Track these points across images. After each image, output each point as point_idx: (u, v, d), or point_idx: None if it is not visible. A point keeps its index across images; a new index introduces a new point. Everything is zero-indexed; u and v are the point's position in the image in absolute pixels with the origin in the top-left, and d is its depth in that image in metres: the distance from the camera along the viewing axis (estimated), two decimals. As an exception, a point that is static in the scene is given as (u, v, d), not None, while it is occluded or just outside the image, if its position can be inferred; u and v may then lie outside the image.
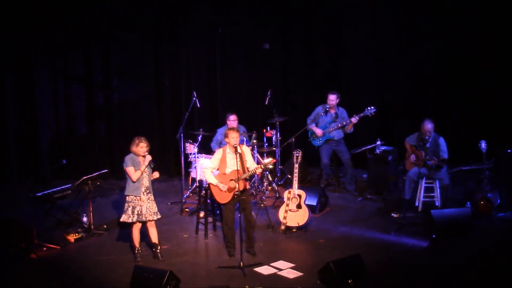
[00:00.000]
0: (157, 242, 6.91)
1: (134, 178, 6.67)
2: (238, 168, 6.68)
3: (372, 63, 11.16)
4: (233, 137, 6.82)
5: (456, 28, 10.42)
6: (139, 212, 6.71)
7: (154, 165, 6.81)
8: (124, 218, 6.73)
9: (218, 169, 7.03)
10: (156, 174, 6.84)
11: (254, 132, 9.50)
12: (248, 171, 6.86)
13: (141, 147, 6.68)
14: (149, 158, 6.72)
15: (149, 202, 6.76)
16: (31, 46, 10.57)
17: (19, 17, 10.37)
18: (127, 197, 6.74)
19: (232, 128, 6.99)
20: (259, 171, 6.91)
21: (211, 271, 6.54)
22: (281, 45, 11.58)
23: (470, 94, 10.50)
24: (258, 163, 8.63)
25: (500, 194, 8.22)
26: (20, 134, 10.69)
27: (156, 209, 6.83)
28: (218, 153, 7.02)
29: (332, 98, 9.36)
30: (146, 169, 6.74)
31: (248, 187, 7.00)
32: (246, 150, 7.05)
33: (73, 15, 10.55)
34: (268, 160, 6.95)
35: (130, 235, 6.89)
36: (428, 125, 8.26)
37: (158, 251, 6.90)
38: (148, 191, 6.76)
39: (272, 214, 8.24)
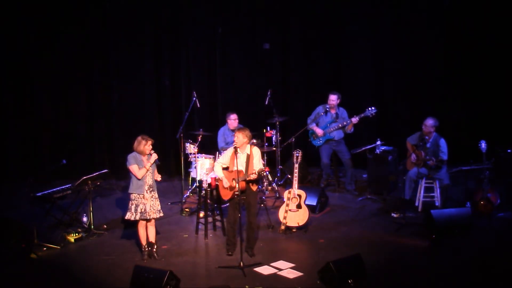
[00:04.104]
0: (153, 241, 6.93)
1: (139, 176, 6.72)
2: (239, 169, 6.67)
3: (372, 63, 11.17)
4: (237, 138, 6.84)
5: (455, 28, 10.43)
6: (143, 210, 6.75)
7: (158, 163, 6.87)
8: (128, 215, 6.80)
9: (228, 166, 7.04)
10: (159, 177, 6.89)
11: (254, 140, 9.45)
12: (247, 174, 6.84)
13: (148, 145, 6.75)
14: (155, 156, 6.77)
15: (152, 200, 6.79)
16: (31, 45, 10.57)
17: (20, 17, 10.38)
18: (131, 195, 6.80)
19: (238, 129, 7.01)
20: (253, 176, 6.84)
21: (211, 271, 6.54)
22: (281, 45, 11.58)
23: (470, 94, 10.51)
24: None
25: (500, 194, 8.21)
26: (20, 134, 10.69)
27: (160, 207, 6.88)
28: (229, 150, 7.04)
29: (333, 99, 9.36)
30: (150, 168, 6.77)
31: (254, 189, 6.93)
32: (255, 152, 6.97)
33: (73, 14, 10.56)
34: (260, 168, 6.84)
35: (137, 233, 6.96)
36: (430, 121, 8.25)
37: (155, 250, 6.92)
38: (151, 189, 6.79)
39: (272, 214, 8.25)
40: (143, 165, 6.74)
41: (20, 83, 10.62)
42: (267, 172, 9.57)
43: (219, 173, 6.99)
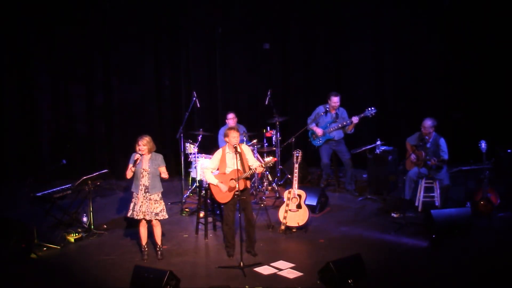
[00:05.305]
0: (157, 241, 6.94)
1: (126, 175, 6.78)
2: (239, 168, 6.68)
3: (372, 63, 11.18)
4: (234, 137, 6.81)
5: (456, 28, 10.43)
6: (136, 209, 6.76)
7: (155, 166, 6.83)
8: (128, 212, 6.86)
9: (218, 169, 7.04)
10: (163, 174, 6.85)
11: (255, 141, 9.43)
12: (250, 169, 6.85)
13: (138, 144, 6.74)
14: (137, 156, 6.72)
15: (147, 202, 6.77)
16: (31, 45, 10.58)
17: (20, 17, 10.39)
18: (132, 193, 6.84)
19: (231, 128, 6.99)
20: (260, 170, 6.91)
21: (211, 271, 6.54)
22: (281, 45, 11.58)
23: (470, 94, 10.51)
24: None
25: (500, 194, 8.21)
26: (20, 134, 10.69)
27: (159, 210, 6.82)
28: (218, 153, 7.02)
29: (336, 100, 9.32)
30: (148, 168, 6.75)
31: (249, 186, 6.99)
32: (245, 148, 7.03)
33: (73, 14, 10.56)
34: (268, 159, 6.95)
35: (137, 232, 6.99)
36: (428, 122, 8.24)
37: (157, 249, 6.94)
38: (147, 190, 6.76)
39: (272, 214, 8.24)
40: (141, 165, 6.76)
41: (20, 83, 10.62)
42: (267, 172, 9.58)
43: (212, 180, 6.93)
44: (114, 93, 10.99)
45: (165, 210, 6.89)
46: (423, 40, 10.62)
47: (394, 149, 9.50)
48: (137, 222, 6.92)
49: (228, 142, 6.87)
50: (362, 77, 11.20)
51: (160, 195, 6.87)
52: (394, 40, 10.88)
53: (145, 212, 6.77)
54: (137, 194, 6.78)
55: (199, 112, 10.54)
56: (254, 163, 6.97)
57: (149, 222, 6.89)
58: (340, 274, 5.92)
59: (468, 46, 10.37)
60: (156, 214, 6.81)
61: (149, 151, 6.79)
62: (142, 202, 6.76)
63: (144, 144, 6.72)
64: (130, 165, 6.74)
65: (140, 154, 6.73)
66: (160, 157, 6.89)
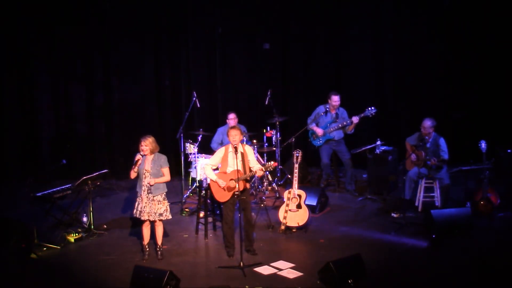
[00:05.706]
0: (158, 241, 6.95)
1: (131, 176, 6.78)
2: (239, 168, 6.67)
3: (372, 63, 11.18)
4: (233, 135, 6.81)
5: (456, 28, 10.44)
6: (140, 210, 6.76)
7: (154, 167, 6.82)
8: (133, 211, 6.88)
9: (218, 168, 7.02)
10: (151, 181, 6.73)
11: (255, 141, 9.42)
12: (251, 171, 6.85)
13: (141, 145, 6.72)
14: (138, 156, 6.72)
15: (151, 203, 6.76)
16: (31, 45, 10.58)
17: (20, 17, 10.39)
18: (137, 192, 6.84)
19: (233, 127, 6.98)
20: (260, 173, 6.89)
21: (211, 271, 6.54)
22: (281, 45, 11.58)
23: (470, 94, 10.52)
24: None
25: (500, 194, 8.21)
26: (20, 134, 10.69)
27: (162, 210, 6.80)
28: (220, 151, 7.02)
29: (336, 99, 9.33)
30: (150, 169, 6.74)
31: (248, 187, 6.99)
32: (249, 150, 7.01)
33: (73, 14, 10.56)
34: (269, 163, 6.94)
35: (139, 232, 7.00)
36: (428, 122, 8.25)
37: (157, 249, 6.95)
38: (150, 191, 6.75)
39: (272, 214, 8.24)
40: (144, 165, 6.76)
41: (20, 83, 10.62)
42: (267, 172, 9.58)
43: (212, 176, 6.93)
44: (114, 93, 10.99)
45: (168, 210, 6.87)
46: (423, 40, 10.63)
47: (394, 149, 9.49)
48: (139, 222, 6.92)
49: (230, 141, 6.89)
50: (362, 77, 11.20)
51: (164, 196, 6.85)
52: (394, 40, 10.88)
53: (149, 212, 6.77)
54: (141, 194, 6.78)
55: (199, 112, 10.54)
56: (255, 165, 6.97)
57: (152, 222, 6.89)
58: (340, 274, 5.92)
59: (468, 46, 10.38)
60: (160, 214, 6.80)
61: (152, 152, 6.78)
62: (146, 203, 6.76)
63: (146, 144, 6.70)
64: (136, 167, 6.73)
65: (142, 154, 6.72)
66: (163, 158, 6.86)
